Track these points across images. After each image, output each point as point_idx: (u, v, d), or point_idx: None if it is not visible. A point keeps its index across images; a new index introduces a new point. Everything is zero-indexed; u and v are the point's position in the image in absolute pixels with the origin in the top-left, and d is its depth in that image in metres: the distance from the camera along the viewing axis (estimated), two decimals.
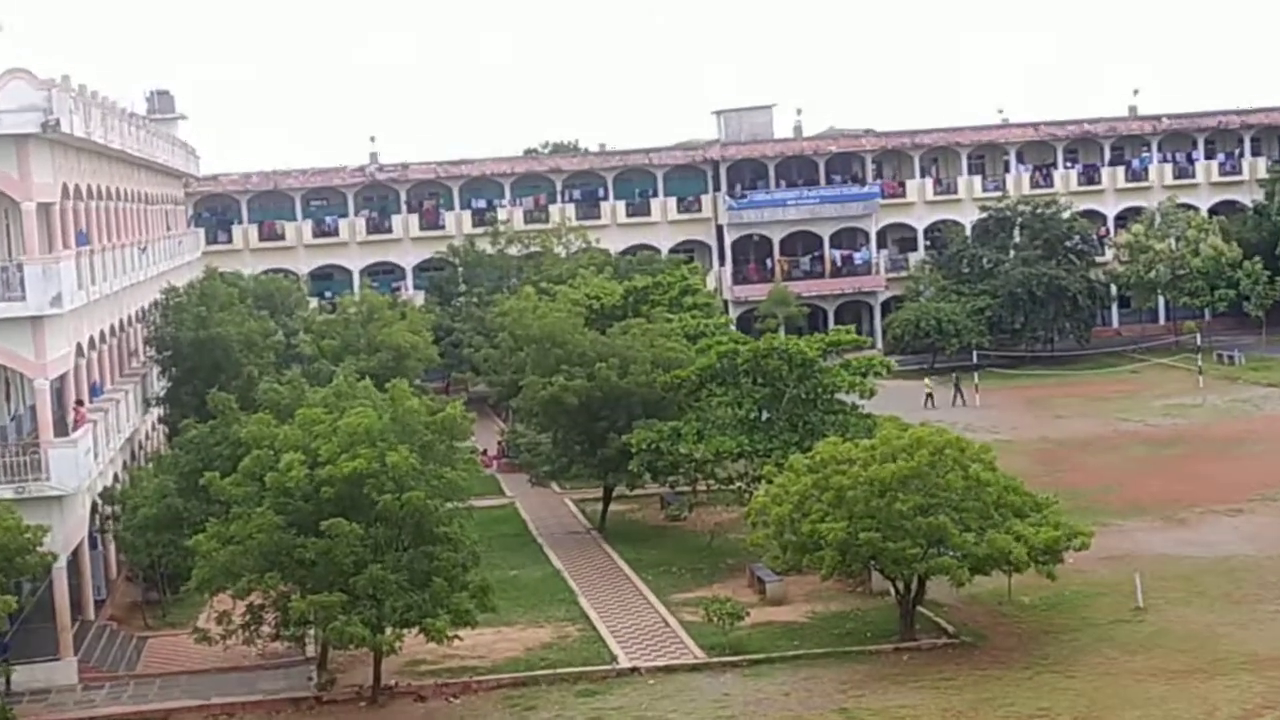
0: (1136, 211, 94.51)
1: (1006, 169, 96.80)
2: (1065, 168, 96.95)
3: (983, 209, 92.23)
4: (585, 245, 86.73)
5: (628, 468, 50.45)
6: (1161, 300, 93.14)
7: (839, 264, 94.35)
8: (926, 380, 76.98)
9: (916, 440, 38.51)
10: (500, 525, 54.58)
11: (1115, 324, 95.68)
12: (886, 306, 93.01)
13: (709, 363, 50.50)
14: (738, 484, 49.31)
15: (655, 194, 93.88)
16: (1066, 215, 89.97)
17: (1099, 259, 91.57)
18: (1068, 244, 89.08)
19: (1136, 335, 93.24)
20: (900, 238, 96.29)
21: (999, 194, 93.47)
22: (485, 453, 62.98)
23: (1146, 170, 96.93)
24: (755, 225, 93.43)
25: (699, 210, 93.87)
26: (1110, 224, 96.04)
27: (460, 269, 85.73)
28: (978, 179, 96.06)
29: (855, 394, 49.33)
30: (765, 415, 49.39)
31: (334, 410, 37.81)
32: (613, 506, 54.71)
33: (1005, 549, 36.96)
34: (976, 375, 78.60)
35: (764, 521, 39.89)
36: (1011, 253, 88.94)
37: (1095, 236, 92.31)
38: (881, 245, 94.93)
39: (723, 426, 49.07)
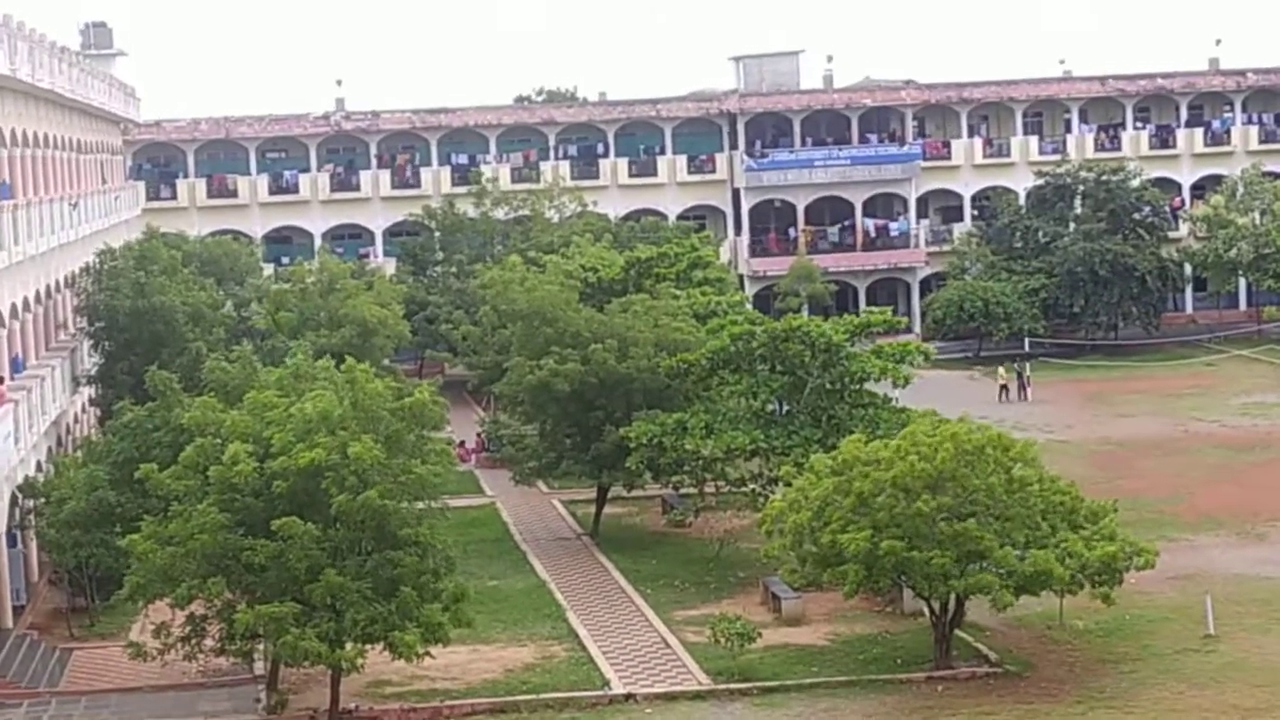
0: (1216, 180, 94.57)
1: (1067, 129, 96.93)
2: (1135, 128, 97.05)
3: (1039, 174, 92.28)
4: (581, 209, 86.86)
5: (625, 465, 50.57)
6: (1243, 283, 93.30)
7: (872, 235, 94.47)
8: (1001, 370, 76.64)
9: (950, 437, 38.58)
10: (478, 528, 54.79)
11: (1189, 309, 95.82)
12: (926, 285, 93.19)
13: (721, 346, 50.61)
14: (751, 486, 49.45)
15: (662, 151, 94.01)
16: (1135, 183, 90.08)
17: (1172, 234, 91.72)
18: (1136, 216, 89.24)
19: (1213, 322, 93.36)
20: (943, 206, 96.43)
21: (1058, 157, 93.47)
22: (462, 445, 63.13)
23: (1228, 133, 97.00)
24: (777, 189, 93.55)
25: (712, 171, 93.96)
26: (1186, 194, 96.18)
27: (437, 234, 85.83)
28: (1034, 140, 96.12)
29: (891, 383, 49.50)
30: (784, 408, 49.51)
31: (290, 393, 37.98)
32: (607, 509, 54.88)
33: (1048, 569, 36.91)
34: (1028, 365, 78.70)
35: (780, 530, 39.97)
36: (1071, 225, 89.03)
37: (1168, 208, 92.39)
38: (922, 214, 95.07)
39: (735, 420, 49.22)
